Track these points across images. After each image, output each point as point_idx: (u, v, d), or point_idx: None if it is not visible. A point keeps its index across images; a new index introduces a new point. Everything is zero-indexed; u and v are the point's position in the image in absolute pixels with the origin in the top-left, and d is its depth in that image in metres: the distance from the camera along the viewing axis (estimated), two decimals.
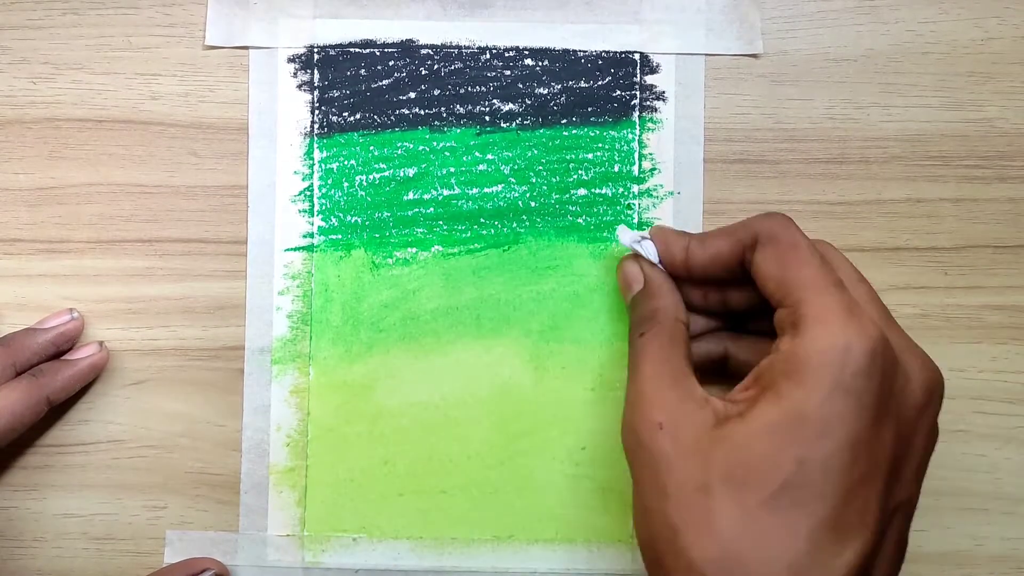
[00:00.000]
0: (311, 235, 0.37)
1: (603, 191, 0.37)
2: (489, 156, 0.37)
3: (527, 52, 0.37)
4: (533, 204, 0.37)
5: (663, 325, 0.30)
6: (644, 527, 0.26)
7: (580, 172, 0.37)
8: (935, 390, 0.27)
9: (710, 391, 0.28)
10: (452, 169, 0.37)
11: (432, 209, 0.37)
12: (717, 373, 0.33)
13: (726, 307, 0.32)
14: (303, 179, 0.37)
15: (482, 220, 0.37)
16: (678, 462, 0.26)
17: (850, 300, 0.26)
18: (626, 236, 0.33)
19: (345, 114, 0.37)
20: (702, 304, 0.32)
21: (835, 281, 0.27)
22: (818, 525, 0.24)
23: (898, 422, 0.25)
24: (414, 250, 0.37)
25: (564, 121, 0.37)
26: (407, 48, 0.37)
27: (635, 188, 0.37)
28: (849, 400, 0.24)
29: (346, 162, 0.37)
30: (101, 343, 0.36)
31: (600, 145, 0.37)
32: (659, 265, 0.33)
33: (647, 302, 0.31)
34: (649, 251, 0.33)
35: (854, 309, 0.26)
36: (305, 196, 0.37)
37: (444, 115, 0.37)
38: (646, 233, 0.33)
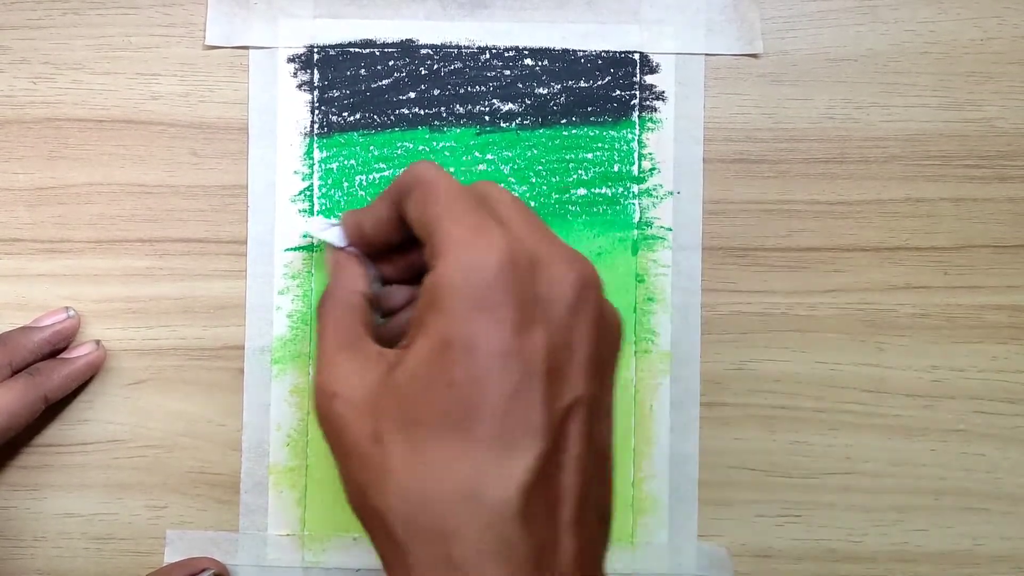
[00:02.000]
0: (311, 235, 0.37)
1: (603, 191, 0.37)
2: (489, 156, 0.37)
3: (527, 52, 0.37)
4: (533, 204, 0.37)
5: (336, 297, 0.30)
6: (347, 494, 0.27)
7: (580, 172, 0.37)
8: (585, 284, 0.26)
9: None
10: (452, 169, 0.37)
11: None
12: None
13: (414, 270, 0.32)
14: (303, 179, 0.37)
15: None
16: (354, 422, 0.26)
17: (478, 220, 0.26)
18: (313, 225, 0.34)
19: (345, 114, 0.37)
20: (397, 275, 0.32)
21: (467, 206, 0.27)
22: (482, 442, 0.24)
23: (548, 325, 0.25)
24: None
25: (564, 121, 0.37)
26: (407, 48, 0.37)
27: (635, 188, 0.37)
28: (485, 315, 0.24)
29: (346, 162, 0.37)
30: (98, 342, 0.36)
31: (600, 145, 0.37)
32: (348, 248, 0.32)
33: (329, 282, 0.31)
34: (335, 236, 0.32)
35: (481, 227, 0.26)
36: (305, 196, 0.37)
37: (444, 115, 0.37)
38: (335, 220, 0.33)
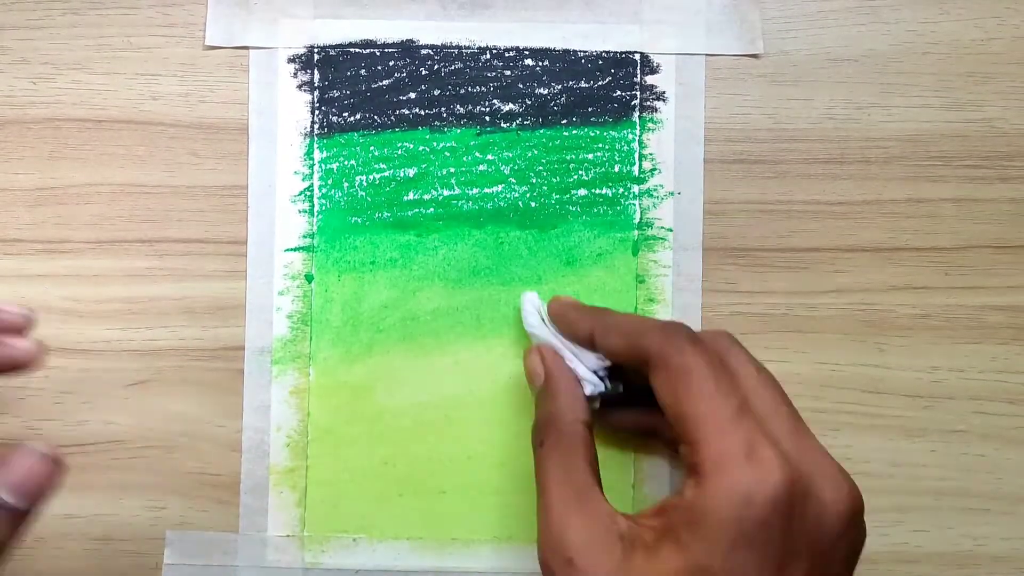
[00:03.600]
0: (311, 235, 0.37)
1: (603, 191, 0.37)
2: (489, 156, 0.37)
3: (527, 52, 0.37)
4: (533, 204, 0.37)
5: (561, 432, 0.29)
6: None
7: (580, 172, 0.37)
8: (852, 513, 0.26)
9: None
10: (452, 169, 0.37)
11: (432, 209, 0.37)
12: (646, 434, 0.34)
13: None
14: (303, 179, 0.37)
15: (482, 220, 0.37)
16: None
17: (749, 437, 0.25)
18: (530, 317, 0.33)
19: (345, 114, 0.37)
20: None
21: (733, 413, 0.25)
22: None
23: (812, 554, 0.25)
24: (414, 251, 0.37)
25: (564, 121, 0.37)
26: (407, 48, 0.37)
27: (635, 188, 0.37)
28: (752, 552, 0.24)
29: (346, 162, 0.37)
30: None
31: (600, 145, 0.37)
32: (562, 342, 0.32)
33: (544, 403, 0.30)
34: (548, 333, 0.32)
35: (754, 449, 0.25)
36: (305, 196, 0.37)
37: (444, 115, 0.37)
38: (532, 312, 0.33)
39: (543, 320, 0.33)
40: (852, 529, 0.26)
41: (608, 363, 0.31)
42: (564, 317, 0.32)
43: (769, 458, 0.25)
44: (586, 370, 0.31)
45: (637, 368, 0.29)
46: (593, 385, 0.31)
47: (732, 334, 0.30)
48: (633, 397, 0.31)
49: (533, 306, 0.34)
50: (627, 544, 0.26)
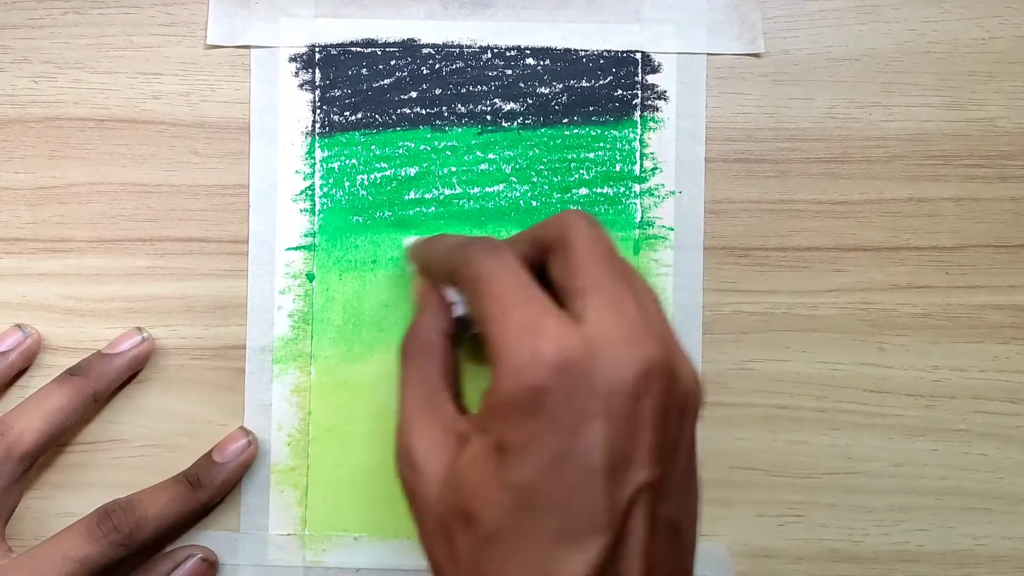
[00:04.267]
0: (312, 234, 0.37)
1: (604, 190, 0.37)
2: (491, 155, 0.37)
3: (528, 51, 0.37)
4: (535, 203, 0.37)
5: (419, 342, 0.30)
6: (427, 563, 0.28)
7: (582, 172, 0.37)
8: (650, 373, 0.25)
9: None
10: (453, 168, 0.37)
11: (433, 208, 0.37)
12: None
13: None
14: (304, 178, 0.37)
15: (483, 219, 0.37)
16: (429, 504, 0.27)
17: (532, 316, 0.25)
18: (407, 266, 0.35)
19: (346, 113, 0.37)
20: None
21: (520, 299, 0.26)
22: (545, 542, 0.24)
23: (607, 417, 0.24)
24: None
25: (565, 120, 0.37)
26: (408, 47, 0.37)
27: (636, 187, 0.37)
28: (539, 421, 0.24)
29: (347, 161, 0.37)
30: (140, 329, 0.36)
31: (601, 144, 0.37)
32: None
33: (411, 321, 0.31)
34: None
35: (535, 324, 0.25)
36: (306, 195, 0.37)
37: (445, 114, 0.37)
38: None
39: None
40: (650, 389, 0.25)
41: None
42: (414, 256, 0.33)
43: (549, 329, 0.25)
44: (454, 293, 0.31)
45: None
46: (464, 305, 0.31)
47: (581, 215, 0.29)
48: None
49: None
50: (461, 442, 0.27)
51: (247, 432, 0.36)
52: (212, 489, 0.35)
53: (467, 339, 0.32)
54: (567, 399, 0.24)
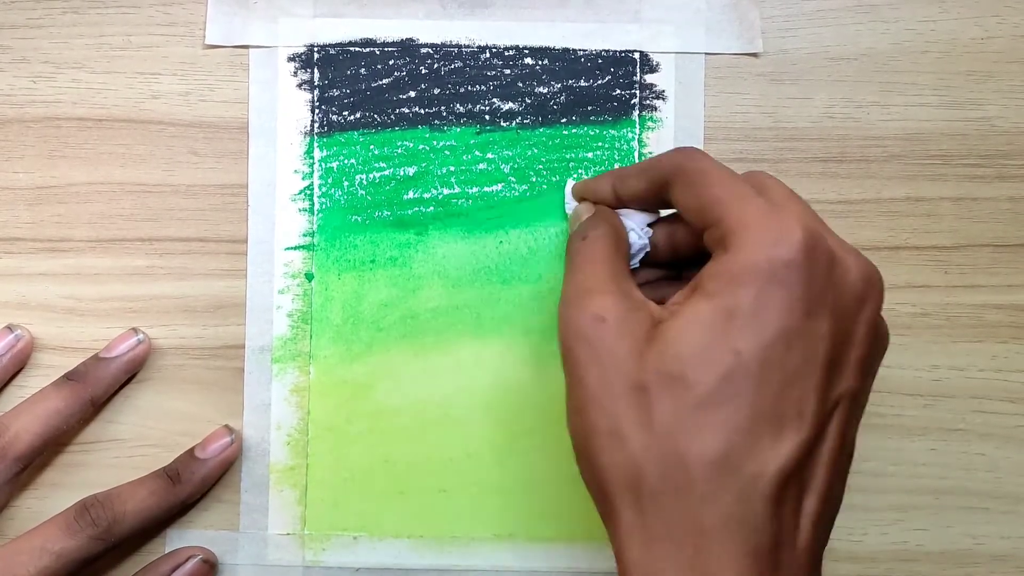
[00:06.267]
0: (311, 234, 0.37)
1: None
2: (489, 155, 0.37)
3: (527, 51, 0.37)
4: (533, 203, 0.37)
5: (606, 231, 0.29)
6: (581, 424, 0.26)
7: (580, 171, 0.37)
8: (873, 281, 0.26)
9: None
10: (452, 168, 0.37)
11: (432, 208, 0.37)
12: None
13: (673, 251, 0.31)
14: (303, 178, 0.37)
15: (482, 219, 0.37)
16: (618, 358, 0.25)
17: (772, 203, 0.26)
18: (570, 202, 0.34)
19: (345, 113, 0.37)
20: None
21: (752, 192, 0.26)
22: (753, 417, 0.24)
23: (835, 314, 0.25)
24: (414, 249, 0.37)
25: (564, 120, 0.37)
26: (407, 47, 0.37)
27: None
28: (781, 291, 0.24)
29: (346, 161, 0.37)
30: (136, 330, 0.36)
31: (600, 144, 0.37)
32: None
33: (592, 221, 0.31)
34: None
35: (777, 209, 0.26)
36: (305, 195, 0.37)
37: (444, 114, 0.37)
38: (572, 196, 0.34)
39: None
40: (871, 299, 0.26)
41: (649, 218, 0.31)
42: (586, 188, 0.32)
43: (794, 213, 0.25)
44: (632, 222, 0.31)
45: (663, 204, 0.30)
46: (637, 235, 0.31)
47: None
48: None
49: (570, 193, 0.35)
50: (656, 318, 0.26)
51: (231, 430, 0.36)
52: (192, 485, 0.35)
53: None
54: (809, 281, 0.24)
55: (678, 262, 0.32)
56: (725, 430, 0.24)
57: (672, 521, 0.24)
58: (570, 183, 0.35)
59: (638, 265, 0.31)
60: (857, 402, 0.26)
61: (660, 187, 0.29)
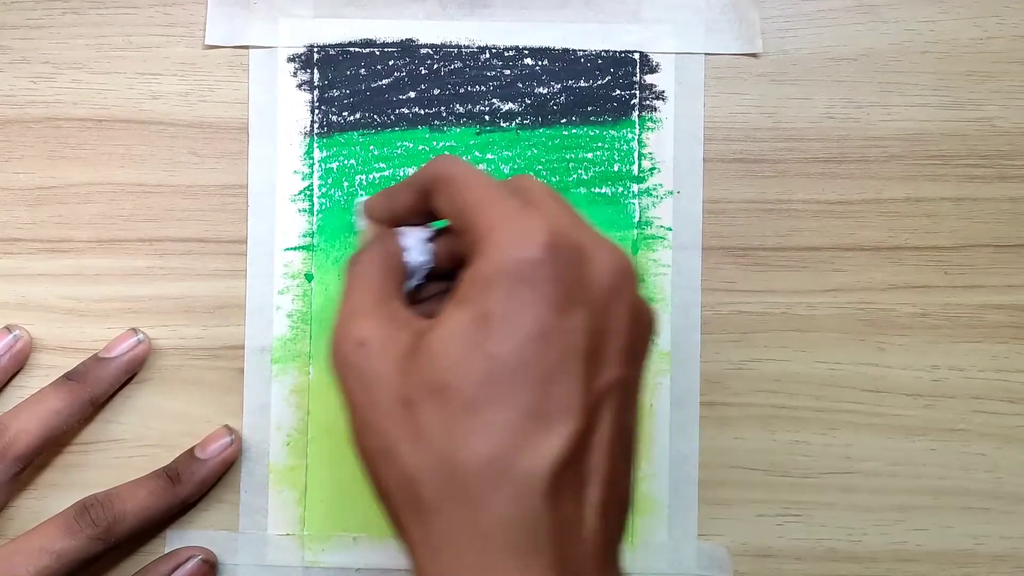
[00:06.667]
0: (311, 234, 0.37)
1: (603, 190, 0.37)
2: (489, 155, 0.37)
3: (527, 52, 0.37)
4: None
5: (376, 254, 0.29)
6: (359, 447, 0.26)
7: (580, 171, 0.37)
8: (625, 271, 0.26)
9: None
10: None
11: None
12: None
13: (455, 262, 0.31)
14: (303, 178, 0.37)
15: None
16: (381, 378, 0.26)
17: (520, 204, 0.26)
18: (360, 222, 0.33)
19: (345, 113, 0.37)
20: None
21: (503, 194, 0.27)
22: (518, 417, 0.24)
23: (589, 307, 0.25)
24: None
25: (564, 120, 0.37)
26: (407, 48, 0.37)
27: (635, 187, 0.37)
28: (529, 291, 0.25)
29: (346, 161, 0.37)
30: (136, 330, 0.36)
31: (600, 144, 0.37)
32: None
33: (365, 245, 0.31)
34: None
35: (524, 210, 0.26)
36: (305, 195, 0.37)
37: (444, 114, 0.37)
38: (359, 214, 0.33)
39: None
40: (625, 291, 0.26)
41: (427, 233, 0.31)
42: (367, 207, 0.32)
43: (539, 214, 0.26)
44: (409, 238, 0.31)
45: (433, 215, 0.30)
46: (418, 251, 0.30)
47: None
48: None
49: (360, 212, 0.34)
50: (418, 335, 0.26)
51: (231, 430, 0.36)
52: (191, 485, 0.35)
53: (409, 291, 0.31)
54: (557, 279, 0.25)
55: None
56: (492, 433, 0.24)
57: (453, 530, 0.24)
58: (358, 202, 0.34)
59: (423, 280, 0.31)
60: (628, 389, 0.26)
61: (425, 198, 0.29)
